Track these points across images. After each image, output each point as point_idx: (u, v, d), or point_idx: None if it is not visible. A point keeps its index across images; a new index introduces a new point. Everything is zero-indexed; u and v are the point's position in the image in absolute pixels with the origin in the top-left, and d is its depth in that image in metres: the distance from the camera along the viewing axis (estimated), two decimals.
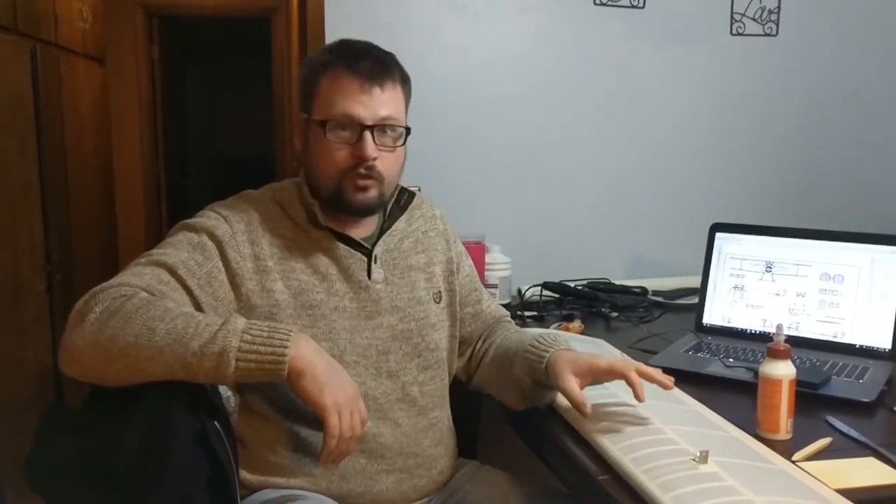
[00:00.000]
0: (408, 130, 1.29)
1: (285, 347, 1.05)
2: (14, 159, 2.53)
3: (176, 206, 5.03)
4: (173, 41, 5.11)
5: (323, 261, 1.27)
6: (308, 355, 1.07)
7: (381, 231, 1.34)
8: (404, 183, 1.40)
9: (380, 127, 1.24)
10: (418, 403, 1.31)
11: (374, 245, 1.31)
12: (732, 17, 2.34)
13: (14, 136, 2.53)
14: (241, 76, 6.43)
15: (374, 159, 1.23)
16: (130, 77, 4.48)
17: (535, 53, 2.23)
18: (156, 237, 4.58)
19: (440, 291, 1.39)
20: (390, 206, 1.37)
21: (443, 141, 2.16)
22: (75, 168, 3.19)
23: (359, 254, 1.30)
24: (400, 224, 1.37)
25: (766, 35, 2.37)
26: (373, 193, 1.26)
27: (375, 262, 1.30)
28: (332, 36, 2.08)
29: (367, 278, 1.29)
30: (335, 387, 1.08)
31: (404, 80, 1.30)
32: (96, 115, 3.66)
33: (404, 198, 1.38)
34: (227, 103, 6.72)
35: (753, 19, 2.35)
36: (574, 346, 1.59)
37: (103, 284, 1.13)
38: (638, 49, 2.29)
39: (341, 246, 1.29)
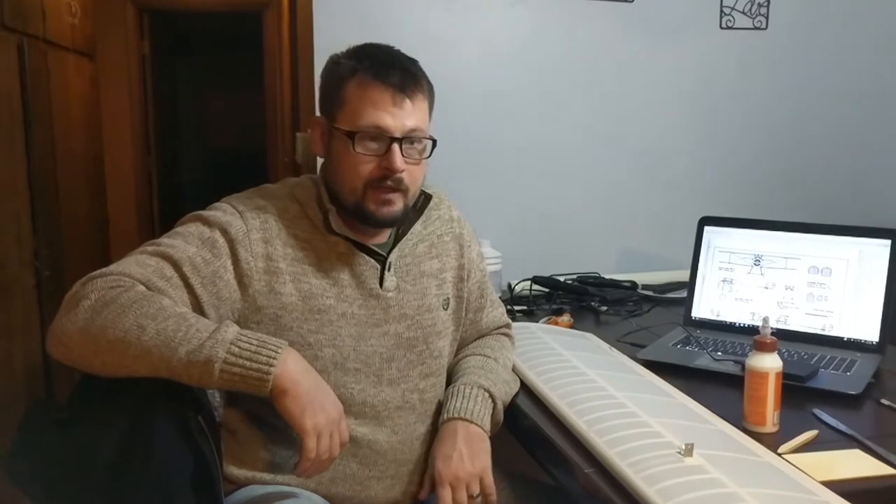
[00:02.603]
0: (434, 143, 1.26)
1: (271, 365, 1.04)
2: (1, 154, 2.51)
3: (168, 202, 5.01)
4: (164, 36, 5.09)
5: (336, 266, 1.24)
6: (293, 374, 1.06)
7: (397, 238, 1.31)
8: None
9: (407, 139, 1.21)
10: (417, 410, 1.29)
11: (389, 252, 1.29)
12: (722, 11, 2.34)
13: (1, 132, 2.51)
14: (232, 72, 6.40)
15: (402, 171, 1.21)
16: (121, 73, 4.46)
17: (524, 47, 2.22)
18: (147, 233, 4.57)
19: (449, 298, 1.36)
20: None
21: (432, 134, 2.15)
22: (65, 164, 3.17)
23: (373, 261, 1.27)
24: (416, 227, 1.33)
25: (756, 29, 2.37)
26: (398, 206, 1.23)
27: (389, 270, 1.28)
28: (321, 30, 2.07)
29: (378, 287, 1.26)
30: (317, 408, 1.07)
31: (430, 90, 1.27)
32: (86, 111, 3.64)
33: (420, 200, 1.34)
34: (218, 99, 6.69)
35: (743, 13, 2.35)
36: (563, 340, 1.59)
37: (103, 270, 1.11)
38: (628, 43, 2.28)
39: (357, 253, 1.26)
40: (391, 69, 1.21)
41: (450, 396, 1.30)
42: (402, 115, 1.20)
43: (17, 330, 2.60)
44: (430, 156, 1.26)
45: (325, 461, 1.09)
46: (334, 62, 1.27)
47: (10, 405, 2.45)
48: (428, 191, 1.36)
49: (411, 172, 1.23)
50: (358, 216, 1.24)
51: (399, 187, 1.22)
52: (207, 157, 6.67)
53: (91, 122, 3.76)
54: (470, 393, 1.29)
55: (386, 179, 1.21)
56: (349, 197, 1.23)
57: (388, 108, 1.19)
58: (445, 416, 1.27)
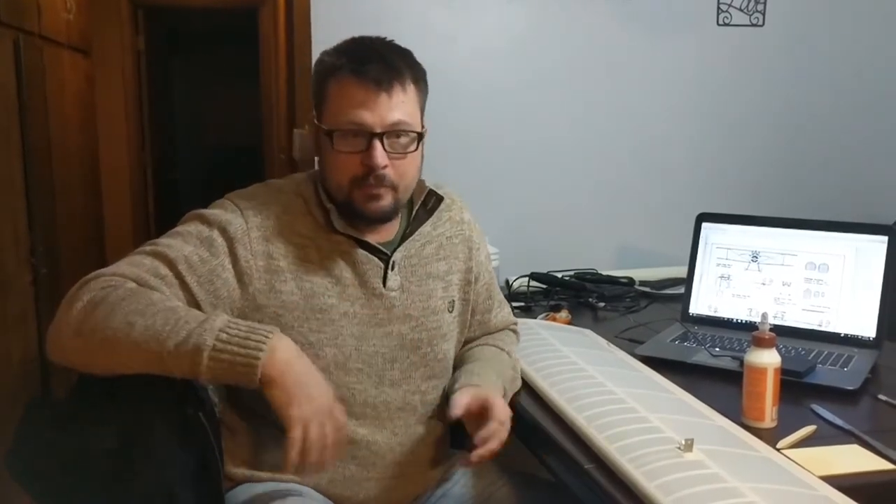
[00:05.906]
0: (420, 136, 1.22)
1: (260, 350, 1.01)
2: None
3: (163, 198, 4.99)
4: (159, 32, 5.07)
5: (339, 264, 1.22)
6: (282, 364, 1.02)
7: (404, 236, 1.29)
8: None
9: (390, 133, 1.18)
10: (418, 412, 1.28)
11: (393, 251, 1.27)
12: (719, 8, 2.34)
13: None
14: (228, 68, 6.38)
15: (385, 167, 1.18)
16: (116, 69, 4.44)
17: (522, 43, 2.23)
18: (143, 230, 4.55)
19: (454, 300, 1.34)
20: (416, 209, 1.30)
21: (430, 130, 2.15)
22: (60, 160, 3.16)
23: (376, 259, 1.24)
24: (425, 228, 1.31)
25: (753, 25, 2.37)
26: (386, 201, 1.20)
27: (392, 269, 1.25)
28: (318, 26, 2.07)
29: (381, 286, 1.24)
30: (303, 398, 1.02)
31: (417, 80, 1.23)
32: (81, 108, 3.63)
33: (431, 201, 1.31)
34: (214, 95, 6.67)
35: (740, 10, 2.35)
36: (561, 336, 1.60)
37: (98, 271, 1.10)
38: (625, 39, 2.29)
39: (359, 251, 1.23)
40: (368, 63, 1.17)
41: (462, 374, 1.29)
42: (382, 110, 1.17)
43: (14, 327, 2.59)
44: (417, 149, 1.22)
45: (321, 451, 1.03)
46: (319, 60, 1.25)
47: (7, 402, 2.45)
48: (440, 192, 1.32)
49: (398, 167, 1.20)
50: (349, 213, 1.22)
51: (384, 183, 1.19)
52: (203, 154, 6.65)
53: (86, 119, 3.75)
54: (482, 373, 1.29)
55: (369, 176, 1.18)
56: (338, 194, 1.21)
57: (366, 103, 1.16)
58: (457, 386, 1.25)
